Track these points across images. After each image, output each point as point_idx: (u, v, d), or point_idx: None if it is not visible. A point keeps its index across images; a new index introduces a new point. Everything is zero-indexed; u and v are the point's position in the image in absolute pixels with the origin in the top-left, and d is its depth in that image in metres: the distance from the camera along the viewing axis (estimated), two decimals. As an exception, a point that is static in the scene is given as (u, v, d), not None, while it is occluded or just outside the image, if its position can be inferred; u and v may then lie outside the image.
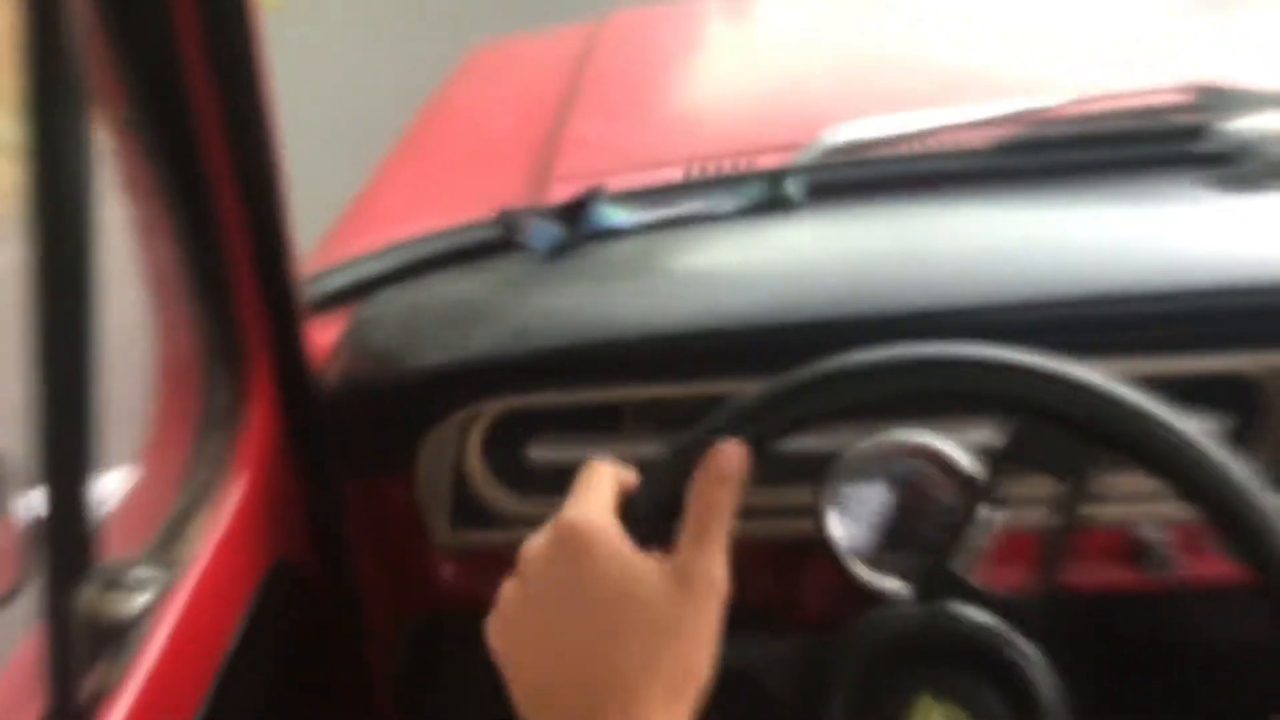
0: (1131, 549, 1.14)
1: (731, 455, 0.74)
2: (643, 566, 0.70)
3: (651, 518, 0.74)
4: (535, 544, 0.73)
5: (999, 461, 0.80)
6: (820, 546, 1.07)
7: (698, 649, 0.70)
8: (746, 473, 0.74)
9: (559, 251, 1.24)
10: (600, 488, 0.75)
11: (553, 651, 0.70)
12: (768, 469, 1.13)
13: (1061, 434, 0.76)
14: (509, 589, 0.73)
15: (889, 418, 1.08)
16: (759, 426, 0.76)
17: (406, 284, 1.27)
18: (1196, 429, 0.73)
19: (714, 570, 0.71)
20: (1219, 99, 1.28)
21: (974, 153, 1.31)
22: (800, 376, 0.78)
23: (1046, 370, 0.75)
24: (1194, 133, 1.26)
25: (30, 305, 0.73)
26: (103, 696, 0.82)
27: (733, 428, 0.76)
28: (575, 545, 0.71)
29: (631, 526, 0.73)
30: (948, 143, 1.32)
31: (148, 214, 0.97)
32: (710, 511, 0.72)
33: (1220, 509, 0.73)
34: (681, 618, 0.69)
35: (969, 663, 0.78)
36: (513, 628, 0.72)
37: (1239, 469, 0.72)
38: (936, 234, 1.19)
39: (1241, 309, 1.06)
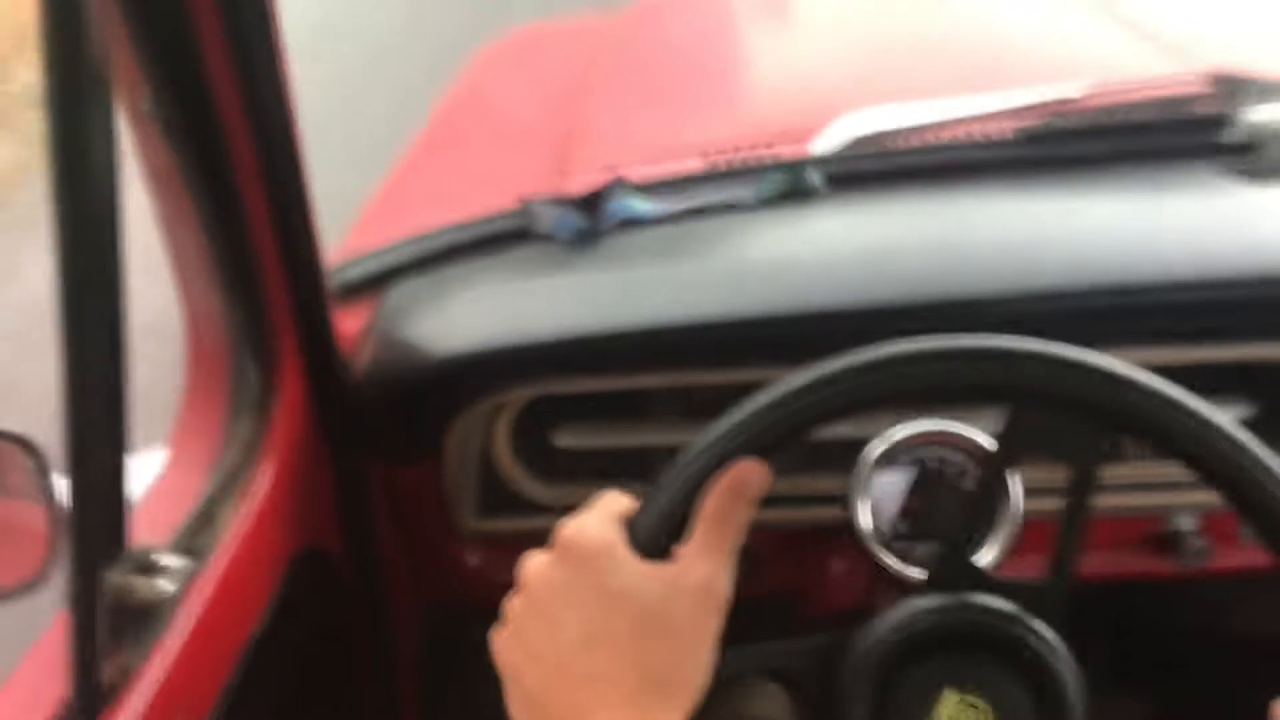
0: (1163, 539, 1.15)
1: (751, 472, 0.73)
2: (641, 571, 0.70)
3: (657, 528, 0.73)
4: (536, 557, 0.73)
5: (1005, 448, 0.79)
6: (850, 534, 1.08)
7: (693, 655, 0.69)
8: (764, 490, 0.73)
9: (582, 241, 1.25)
10: (606, 504, 0.74)
11: (548, 657, 0.69)
12: (798, 456, 1.15)
13: (1071, 420, 0.76)
14: (512, 604, 0.73)
15: (921, 406, 1.08)
16: (763, 438, 0.75)
17: (431, 272, 1.28)
18: (1223, 415, 0.73)
19: (716, 579, 0.70)
20: (1239, 89, 1.28)
21: (995, 142, 1.31)
22: (796, 382, 0.76)
23: (1063, 357, 0.74)
24: (1215, 123, 1.25)
25: (59, 292, 0.74)
26: (127, 679, 0.83)
27: (735, 440, 0.74)
28: (573, 553, 0.70)
29: (637, 537, 0.72)
30: (969, 132, 1.32)
31: (174, 205, 0.97)
32: (722, 524, 0.71)
33: (1248, 494, 0.72)
34: (677, 623, 0.68)
35: (987, 651, 0.77)
36: (514, 639, 0.72)
37: (1266, 454, 0.72)
38: (959, 223, 1.20)
39: (1263, 298, 1.06)
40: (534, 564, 0.73)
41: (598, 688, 0.67)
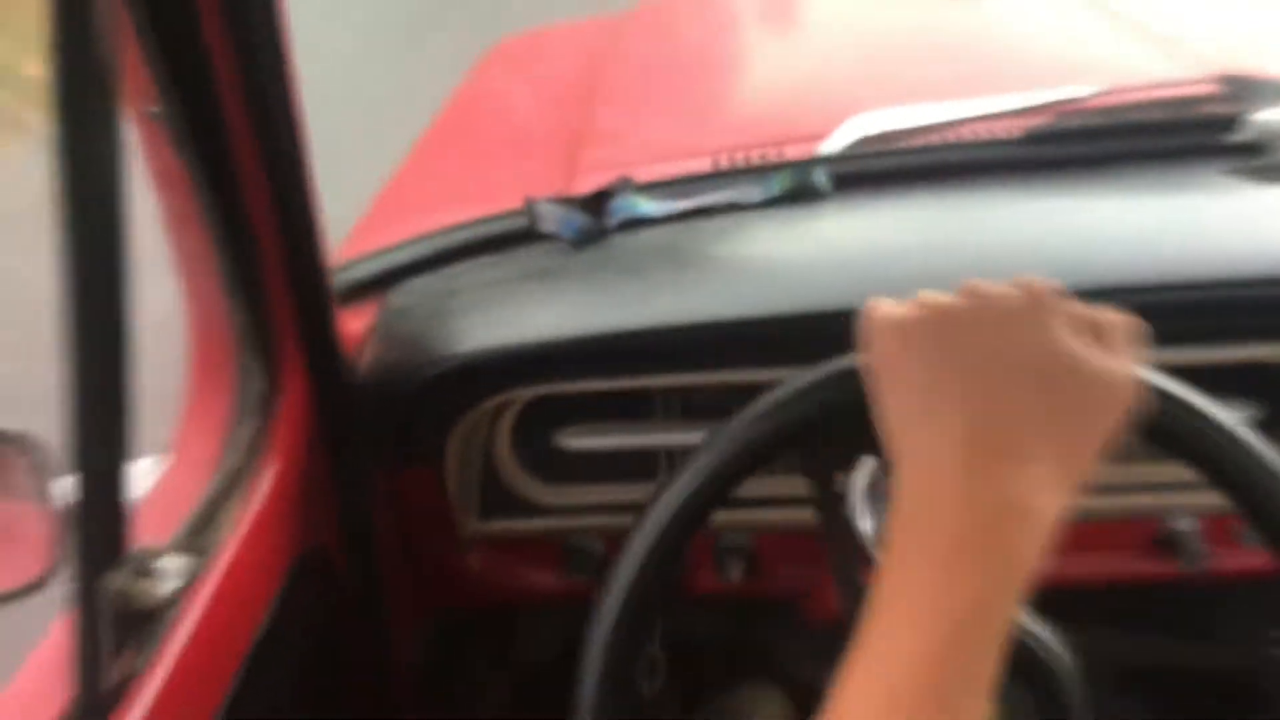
0: (1163, 541, 1.14)
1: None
2: (1088, 353, 0.70)
3: None
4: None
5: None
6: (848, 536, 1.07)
7: (1098, 437, 0.69)
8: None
9: (586, 241, 1.24)
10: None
11: (981, 374, 0.69)
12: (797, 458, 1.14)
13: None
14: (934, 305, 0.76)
15: None
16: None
17: (435, 273, 1.27)
18: (1230, 416, 0.73)
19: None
20: (1248, 89, 1.27)
21: (1003, 143, 1.30)
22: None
23: None
24: (1223, 123, 1.25)
25: (64, 294, 0.74)
26: (130, 682, 0.82)
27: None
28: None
29: None
30: (977, 133, 1.32)
31: (178, 206, 0.97)
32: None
33: (1252, 495, 0.72)
34: (1105, 407, 0.69)
35: None
36: (938, 337, 0.74)
37: (1271, 455, 0.72)
38: (965, 223, 1.19)
39: (1271, 298, 1.05)
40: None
41: (1031, 428, 0.67)
